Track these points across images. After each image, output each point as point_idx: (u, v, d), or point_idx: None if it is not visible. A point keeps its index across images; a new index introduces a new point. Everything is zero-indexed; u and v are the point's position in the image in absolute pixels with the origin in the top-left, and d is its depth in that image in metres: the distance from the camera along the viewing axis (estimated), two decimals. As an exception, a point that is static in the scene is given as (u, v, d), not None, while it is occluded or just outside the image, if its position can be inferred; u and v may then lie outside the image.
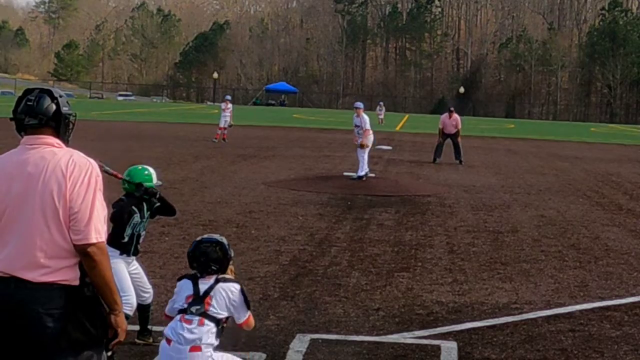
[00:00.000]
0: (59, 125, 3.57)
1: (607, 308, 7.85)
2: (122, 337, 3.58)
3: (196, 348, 4.45)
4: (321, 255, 9.68)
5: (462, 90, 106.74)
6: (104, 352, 3.60)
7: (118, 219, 6.01)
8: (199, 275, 4.62)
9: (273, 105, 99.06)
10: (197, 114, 58.43)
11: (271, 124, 44.46)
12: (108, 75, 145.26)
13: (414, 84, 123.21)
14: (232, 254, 4.73)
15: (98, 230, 3.43)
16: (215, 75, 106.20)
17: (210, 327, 4.49)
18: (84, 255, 3.41)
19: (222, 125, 28.75)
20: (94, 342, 3.47)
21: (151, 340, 6.35)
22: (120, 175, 6.04)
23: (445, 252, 10.30)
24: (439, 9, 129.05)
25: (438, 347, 6.40)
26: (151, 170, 6.33)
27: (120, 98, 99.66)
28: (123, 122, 40.97)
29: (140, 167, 6.37)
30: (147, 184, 6.15)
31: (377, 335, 6.67)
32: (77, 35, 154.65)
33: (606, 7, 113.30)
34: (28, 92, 3.62)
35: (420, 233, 11.65)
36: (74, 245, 3.41)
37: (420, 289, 8.28)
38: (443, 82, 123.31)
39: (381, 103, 56.95)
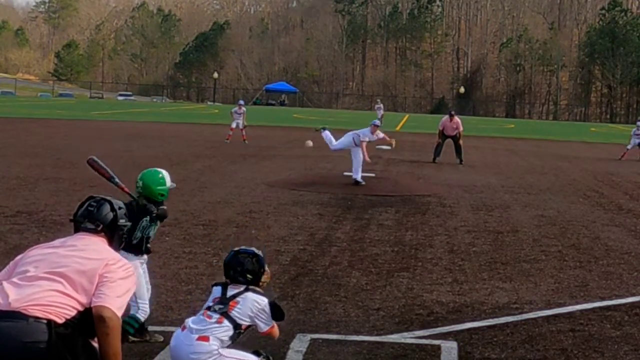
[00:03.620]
0: (113, 234, 3.90)
1: (607, 308, 7.84)
2: None
3: (204, 338, 4.64)
4: (321, 255, 9.68)
5: (462, 90, 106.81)
6: None
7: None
8: (229, 282, 4.89)
9: (273, 105, 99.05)
10: (197, 114, 58.43)
11: (271, 124, 44.46)
12: (108, 75, 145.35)
13: (414, 84, 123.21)
14: (267, 268, 5.04)
15: (118, 306, 3.60)
16: (215, 75, 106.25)
17: (227, 327, 4.69)
18: (100, 319, 3.52)
19: (233, 126, 29.14)
20: None
21: (148, 337, 6.32)
22: (127, 190, 6.01)
23: (445, 252, 10.30)
24: (439, 9, 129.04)
25: (438, 347, 6.40)
26: (164, 173, 6.31)
27: (120, 98, 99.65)
28: (123, 122, 40.97)
29: (153, 170, 6.32)
30: (159, 198, 6.18)
31: (377, 335, 6.67)
32: (77, 35, 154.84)
33: (606, 7, 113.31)
34: (90, 198, 3.99)
35: (420, 233, 11.65)
36: (93, 307, 3.54)
37: (420, 289, 8.28)
38: (443, 82, 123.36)
39: (378, 100, 54.99)
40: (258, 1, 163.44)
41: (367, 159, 17.14)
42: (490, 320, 7.24)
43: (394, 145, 18.70)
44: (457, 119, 25.26)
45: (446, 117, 25.67)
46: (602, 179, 21.06)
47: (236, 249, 5.08)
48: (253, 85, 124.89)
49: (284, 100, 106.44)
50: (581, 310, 7.70)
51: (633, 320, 7.42)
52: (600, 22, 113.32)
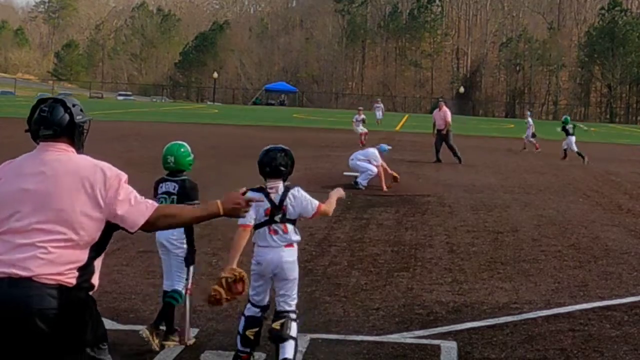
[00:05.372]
0: (73, 135, 3.62)
1: (607, 308, 7.85)
2: (241, 202, 3.68)
3: (290, 245, 5.57)
4: (321, 255, 9.68)
5: (462, 90, 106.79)
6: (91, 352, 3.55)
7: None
8: (264, 186, 5.55)
9: (273, 105, 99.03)
10: (197, 114, 58.41)
11: (271, 124, 44.44)
12: (108, 75, 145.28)
13: (413, 84, 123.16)
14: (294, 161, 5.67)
15: (137, 218, 3.52)
16: (215, 75, 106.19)
17: (291, 228, 5.55)
18: (150, 227, 3.57)
19: (363, 131, 30.32)
20: (84, 345, 3.45)
21: (177, 339, 6.23)
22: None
23: (445, 252, 10.30)
24: (439, 9, 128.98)
25: (438, 347, 6.41)
26: (184, 143, 6.42)
27: (120, 98, 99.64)
28: (123, 122, 40.95)
29: (177, 144, 6.36)
30: (189, 167, 6.39)
31: (377, 335, 6.67)
32: (77, 35, 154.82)
33: (606, 7, 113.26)
34: (41, 102, 3.65)
35: (420, 233, 11.65)
36: (137, 230, 3.54)
37: (420, 289, 8.28)
38: (443, 82, 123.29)
39: (379, 100, 53.91)
40: (258, 1, 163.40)
41: (385, 187, 16.13)
42: (490, 320, 7.24)
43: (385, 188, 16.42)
44: (445, 108, 25.32)
45: (437, 109, 25.83)
46: (602, 179, 21.06)
47: (266, 148, 5.71)
48: (253, 85, 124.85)
49: (283, 100, 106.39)
50: (581, 310, 7.70)
51: (633, 320, 7.43)
52: (600, 22, 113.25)
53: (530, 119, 31.79)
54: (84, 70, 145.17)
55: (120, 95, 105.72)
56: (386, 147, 17.86)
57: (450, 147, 24.42)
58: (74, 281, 3.39)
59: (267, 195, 5.52)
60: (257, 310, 5.70)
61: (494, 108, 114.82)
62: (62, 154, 3.55)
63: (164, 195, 6.22)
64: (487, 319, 7.28)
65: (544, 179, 20.25)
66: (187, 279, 6.28)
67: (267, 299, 5.72)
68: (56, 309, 3.31)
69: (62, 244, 3.39)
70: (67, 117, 3.59)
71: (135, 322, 6.44)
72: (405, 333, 6.75)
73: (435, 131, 25.04)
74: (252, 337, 5.64)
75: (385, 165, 16.81)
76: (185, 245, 6.22)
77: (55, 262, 3.36)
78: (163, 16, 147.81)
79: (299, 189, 5.65)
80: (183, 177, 6.31)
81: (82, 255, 3.44)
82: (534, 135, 31.02)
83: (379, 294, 7.99)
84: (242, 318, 5.72)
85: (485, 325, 7.07)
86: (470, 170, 21.81)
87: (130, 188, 3.60)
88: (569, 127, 27.25)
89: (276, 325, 5.56)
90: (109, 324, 6.68)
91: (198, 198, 6.31)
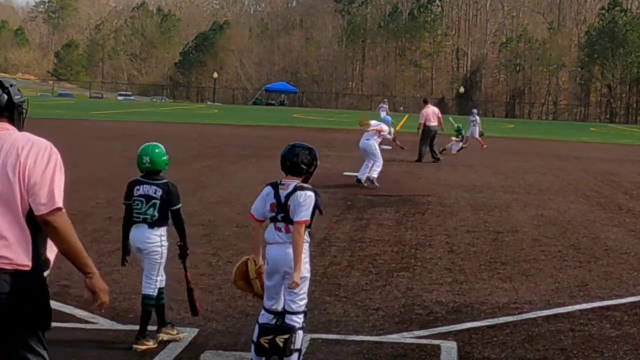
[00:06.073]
0: (12, 114, 3.64)
1: (607, 308, 7.85)
2: (104, 298, 3.57)
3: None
4: (321, 255, 9.68)
5: (462, 90, 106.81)
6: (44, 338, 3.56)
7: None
8: (279, 181, 5.51)
9: (273, 105, 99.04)
10: (196, 114, 58.42)
11: (271, 124, 44.45)
12: (108, 75, 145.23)
13: (413, 84, 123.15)
14: (319, 162, 5.67)
15: (55, 197, 3.45)
16: (215, 75, 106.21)
17: (293, 229, 5.35)
18: (45, 224, 3.43)
19: (476, 135, 30.58)
20: (38, 329, 3.48)
21: (176, 332, 6.25)
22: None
23: (445, 252, 10.31)
24: (439, 9, 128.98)
25: (438, 347, 6.41)
26: (158, 144, 6.33)
27: (120, 98, 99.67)
28: (123, 122, 40.95)
29: (151, 145, 6.25)
30: (165, 167, 6.30)
31: (377, 335, 6.67)
32: (77, 35, 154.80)
33: (605, 7, 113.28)
34: None
35: (420, 233, 11.65)
36: (37, 217, 3.42)
37: (420, 289, 8.28)
38: (443, 82, 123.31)
39: (385, 100, 51.85)
40: (258, 1, 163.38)
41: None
42: (490, 320, 7.24)
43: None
44: (426, 106, 25.36)
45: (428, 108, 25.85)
46: (602, 179, 21.06)
47: (292, 143, 5.66)
48: (253, 85, 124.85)
49: (283, 100, 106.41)
50: (581, 310, 7.70)
51: (632, 320, 7.43)
52: (600, 22, 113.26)
53: (477, 117, 31.54)
54: (84, 70, 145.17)
55: (120, 95, 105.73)
56: (389, 118, 18.89)
57: (422, 146, 24.30)
58: (28, 262, 3.42)
59: (276, 190, 5.47)
60: (271, 316, 5.53)
61: (494, 108, 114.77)
62: (3, 132, 3.58)
63: (141, 199, 6.08)
64: (487, 319, 7.28)
65: (544, 179, 20.25)
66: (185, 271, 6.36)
67: (280, 304, 5.53)
68: (8, 293, 3.36)
69: (10, 226, 3.42)
70: (5, 96, 3.63)
71: (135, 322, 6.42)
72: (405, 333, 6.75)
73: (420, 131, 24.72)
74: (266, 345, 5.42)
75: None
76: (160, 249, 6.18)
77: (9, 244, 3.41)
78: (163, 16, 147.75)
79: (311, 193, 5.41)
80: (165, 181, 6.19)
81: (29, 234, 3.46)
82: (480, 134, 31.00)
83: (379, 294, 7.99)
84: (256, 326, 5.54)
85: (485, 325, 7.06)
86: (470, 170, 21.81)
87: (59, 168, 3.53)
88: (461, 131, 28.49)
89: (280, 340, 5.38)
90: (108, 324, 6.70)
91: (180, 203, 6.23)
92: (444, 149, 26.48)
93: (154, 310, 6.18)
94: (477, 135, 30.67)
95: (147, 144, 6.29)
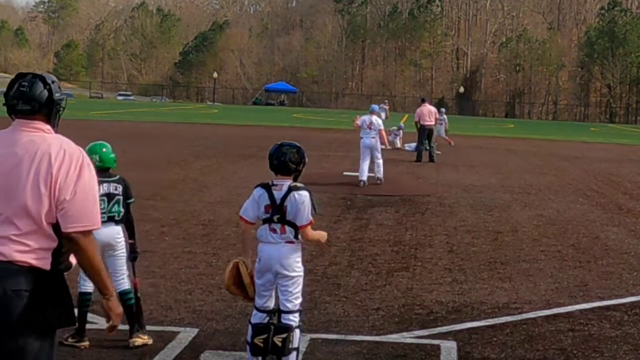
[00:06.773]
0: (50, 112, 3.55)
1: (607, 308, 7.85)
2: (116, 322, 3.54)
3: (291, 242, 5.51)
4: (321, 255, 9.68)
5: (462, 90, 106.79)
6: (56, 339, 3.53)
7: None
8: (271, 182, 5.47)
9: (273, 105, 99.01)
10: (196, 114, 58.41)
11: (271, 124, 44.44)
12: (108, 75, 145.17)
13: (413, 84, 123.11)
14: (307, 160, 5.69)
15: (82, 218, 3.40)
16: (215, 75, 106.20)
17: (289, 230, 5.44)
18: (69, 240, 3.39)
19: (442, 134, 30.21)
20: (53, 328, 3.45)
21: (146, 337, 6.24)
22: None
23: (445, 252, 10.31)
24: (439, 9, 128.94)
25: (438, 347, 6.41)
26: (104, 143, 6.49)
27: (120, 98, 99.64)
28: (123, 122, 40.94)
29: (97, 145, 6.39)
30: (114, 164, 6.40)
31: (376, 335, 6.67)
32: (77, 35, 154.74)
33: (605, 7, 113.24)
34: (20, 76, 3.58)
35: (420, 233, 11.65)
36: (62, 232, 3.38)
37: (420, 289, 8.29)
38: (443, 82, 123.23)
39: (386, 101, 51.29)
40: (258, 1, 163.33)
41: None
42: (490, 320, 7.25)
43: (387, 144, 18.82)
44: (422, 105, 25.50)
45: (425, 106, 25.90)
46: (602, 179, 21.06)
47: (280, 142, 5.67)
48: (253, 85, 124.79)
49: (283, 100, 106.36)
50: (580, 310, 7.71)
51: (632, 320, 7.43)
52: (600, 22, 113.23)
53: (444, 116, 31.61)
54: (83, 70, 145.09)
55: (120, 95, 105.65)
56: (376, 107, 18.86)
57: (421, 143, 24.37)
58: (48, 265, 3.39)
59: (269, 191, 5.44)
60: (264, 315, 5.54)
61: (494, 108, 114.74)
62: (36, 134, 3.50)
63: (103, 197, 6.09)
64: (487, 319, 7.28)
65: (544, 179, 20.25)
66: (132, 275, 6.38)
67: (272, 302, 5.57)
68: (29, 291, 3.31)
69: (34, 234, 3.38)
70: (46, 93, 3.53)
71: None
72: (405, 333, 6.75)
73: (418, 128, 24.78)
74: (261, 345, 5.41)
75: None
76: (125, 244, 6.26)
77: (31, 250, 3.37)
78: (163, 16, 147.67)
79: (306, 193, 5.49)
80: (120, 177, 6.33)
81: (54, 241, 3.42)
82: (446, 132, 31.15)
83: (379, 294, 7.99)
84: (249, 326, 5.55)
85: (485, 325, 7.07)
86: (470, 170, 21.80)
87: (91, 182, 3.47)
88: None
89: (278, 340, 5.38)
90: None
91: (133, 196, 6.40)
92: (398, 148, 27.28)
93: (134, 302, 6.22)
94: (443, 134, 30.73)
95: (94, 143, 6.40)
